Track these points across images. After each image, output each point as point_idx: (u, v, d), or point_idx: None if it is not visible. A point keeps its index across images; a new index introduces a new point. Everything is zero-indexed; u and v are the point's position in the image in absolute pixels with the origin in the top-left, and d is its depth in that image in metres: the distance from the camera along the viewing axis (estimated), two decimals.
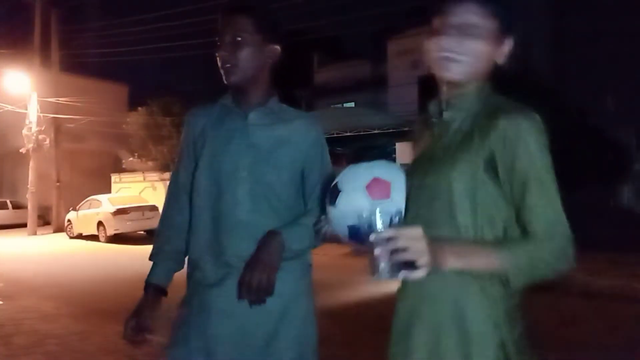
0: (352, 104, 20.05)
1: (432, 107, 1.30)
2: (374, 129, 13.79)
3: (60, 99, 18.53)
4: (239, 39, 1.46)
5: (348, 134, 14.21)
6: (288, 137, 1.53)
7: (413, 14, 14.69)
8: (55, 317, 5.59)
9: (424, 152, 1.29)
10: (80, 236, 16.01)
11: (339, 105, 20.13)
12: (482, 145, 1.14)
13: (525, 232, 1.12)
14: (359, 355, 3.99)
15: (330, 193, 1.22)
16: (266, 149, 1.50)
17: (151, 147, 19.70)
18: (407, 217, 1.20)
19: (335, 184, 1.21)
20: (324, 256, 7.82)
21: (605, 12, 15.64)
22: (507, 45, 1.21)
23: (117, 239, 14.20)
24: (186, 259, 1.58)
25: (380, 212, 1.19)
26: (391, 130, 13.19)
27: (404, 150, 12.26)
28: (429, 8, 1.24)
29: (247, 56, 1.47)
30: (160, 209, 1.72)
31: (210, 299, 1.47)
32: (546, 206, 1.09)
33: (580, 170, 10.21)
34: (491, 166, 1.15)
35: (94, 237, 15.18)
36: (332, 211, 1.21)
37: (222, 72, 1.49)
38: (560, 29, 17.42)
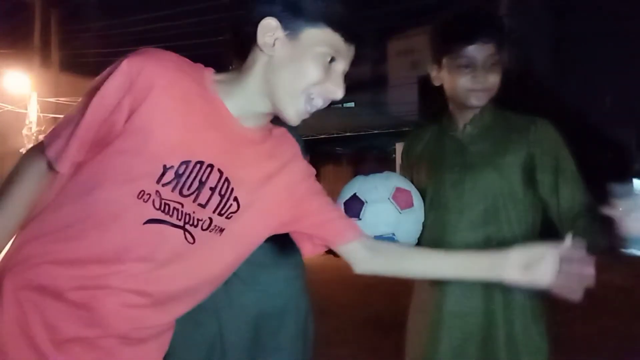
0: (352, 104, 20.03)
1: (447, 123, 1.47)
2: (374, 129, 13.77)
3: (60, 99, 18.52)
4: None
5: (348, 134, 14.20)
6: None
7: (413, 13, 14.69)
8: None
9: (447, 160, 1.42)
10: None
11: (339, 105, 20.11)
12: (520, 149, 1.35)
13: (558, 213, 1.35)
14: (356, 355, 3.98)
15: (348, 206, 1.20)
16: None
17: None
18: (448, 220, 1.35)
19: (355, 196, 1.20)
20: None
21: (606, 13, 15.64)
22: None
23: None
24: None
25: (407, 221, 1.19)
26: (391, 130, 13.16)
27: None
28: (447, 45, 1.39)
29: None
30: None
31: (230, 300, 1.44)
32: (582, 194, 1.39)
33: (580, 170, 10.20)
34: (527, 167, 1.35)
35: None
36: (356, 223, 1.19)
37: None
38: (561, 29, 17.41)
